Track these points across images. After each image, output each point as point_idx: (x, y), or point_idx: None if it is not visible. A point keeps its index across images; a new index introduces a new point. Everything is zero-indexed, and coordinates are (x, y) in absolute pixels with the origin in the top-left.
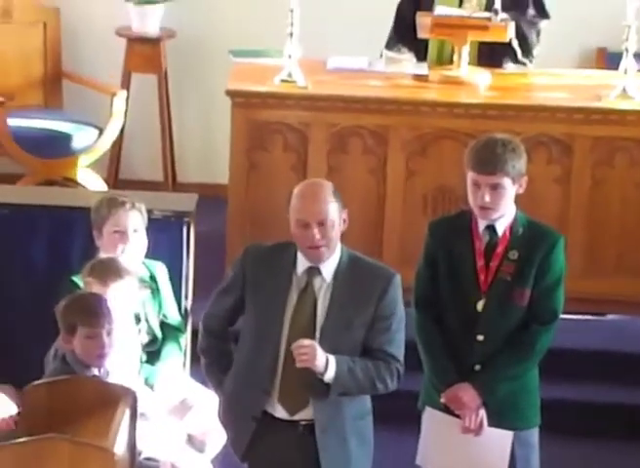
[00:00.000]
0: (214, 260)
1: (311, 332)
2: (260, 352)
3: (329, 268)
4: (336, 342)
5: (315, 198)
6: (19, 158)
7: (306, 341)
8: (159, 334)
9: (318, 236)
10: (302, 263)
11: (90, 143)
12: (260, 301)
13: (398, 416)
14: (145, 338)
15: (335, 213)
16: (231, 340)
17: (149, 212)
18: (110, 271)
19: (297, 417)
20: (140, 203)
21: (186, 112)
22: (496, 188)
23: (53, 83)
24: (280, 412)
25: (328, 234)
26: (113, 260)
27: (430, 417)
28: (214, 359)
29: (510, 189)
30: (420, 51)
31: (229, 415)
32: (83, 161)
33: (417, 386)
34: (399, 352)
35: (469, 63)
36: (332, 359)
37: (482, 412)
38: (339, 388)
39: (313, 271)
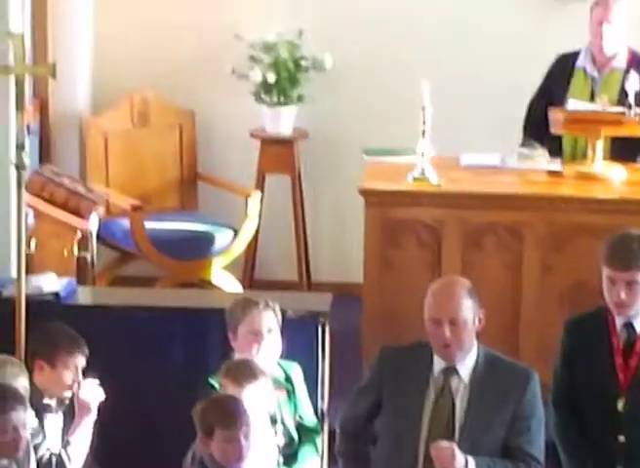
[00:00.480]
0: (350, 360)
1: (450, 433)
2: (399, 454)
3: (466, 368)
4: (475, 443)
5: (448, 296)
6: (156, 261)
7: (445, 443)
8: (295, 436)
9: (449, 334)
10: (439, 363)
11: (226, 245)
12: (397, 403)
13: None
14: (282, 440)
15: (468, 312)
16: (369, 442)
17: (284, 312)
18: (246, 372)
19: None
20: (274, 303)
21: (320, 211)
22: (631, 285)
23: (189, 185)
24: None
25: (459, 333)
26: (248, 361)
27: None
28: (352, 462)
29: None
30: (554, 146)
31: None
32: (219, 262)
33: None
34: (539, 452)
35: (602, 158)
36: (471, 460)
37: None
38: None
39: (450, 371)
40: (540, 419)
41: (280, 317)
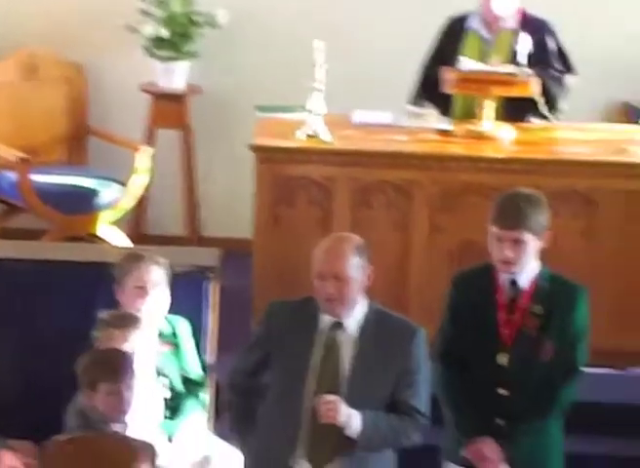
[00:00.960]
0: (239, 315)
1: (336, 388)
2: (286, 408)
3: (353, 323)
4: (362, 397)
5: (335, 252)
6: (42, 214)
7: (330, 397)
8: (181, 390)
9: (332, 290)
10: (326, 318)
11: (114, 199)
12: (284, 357)
13: None
14: (167, 393)
15: (354, 269)
16: (256, 396)
17: (171, 267)
18: (128, 324)
19: None
20: (161, 258)
21: (211, 167)
22: (517, 243)
23: (78, 139)
24: None
25: (343, 289)
26: (131, 314)
27: None
28: (238, 415)
29: (532, 244)
30: (444, 105)
31: None
32: (107, 217)
33: (439, 441)
34: (424, 406)
35: (494, 118)
36: (356, 414)
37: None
38: (364, 443)
39: (337, 326)
40: (426, 374)
41: (168, 271)
